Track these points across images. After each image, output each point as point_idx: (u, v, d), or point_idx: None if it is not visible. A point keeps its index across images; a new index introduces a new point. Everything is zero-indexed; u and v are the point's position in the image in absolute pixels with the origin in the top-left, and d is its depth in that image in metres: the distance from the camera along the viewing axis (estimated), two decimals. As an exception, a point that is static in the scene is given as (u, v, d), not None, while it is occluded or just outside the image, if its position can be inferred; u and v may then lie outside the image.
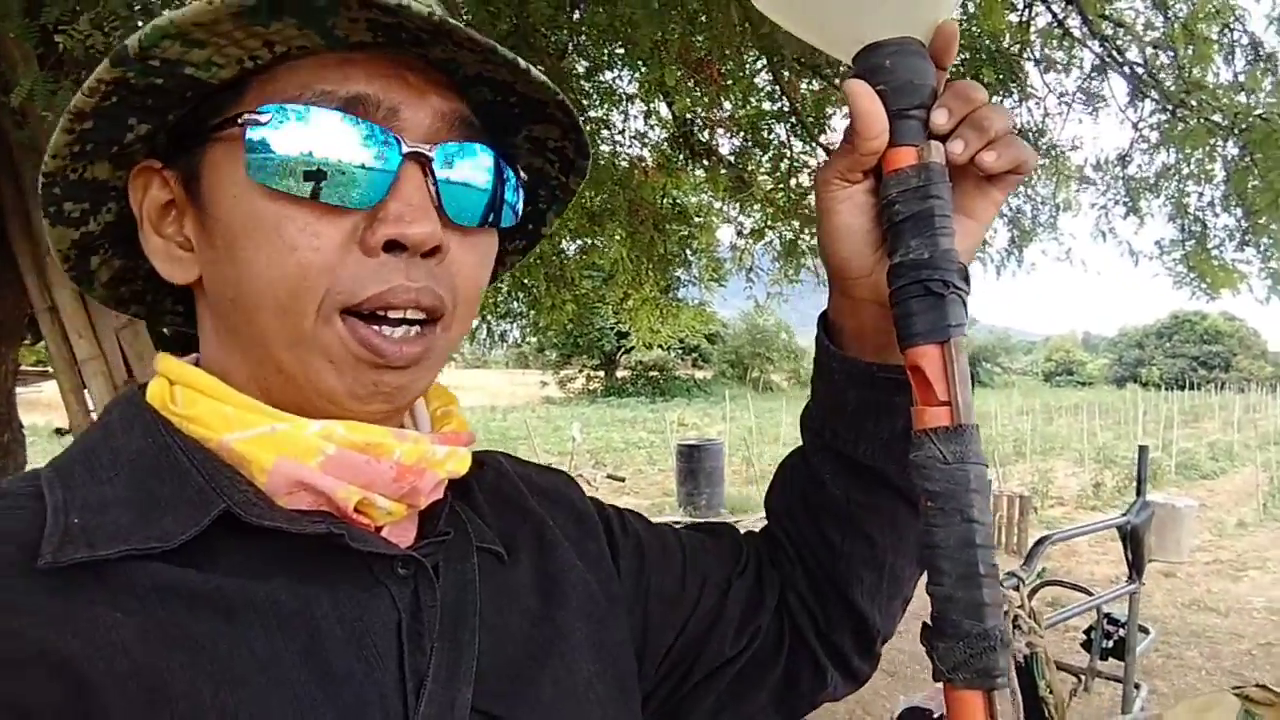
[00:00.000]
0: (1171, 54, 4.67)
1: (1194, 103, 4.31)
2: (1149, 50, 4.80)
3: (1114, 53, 4.83)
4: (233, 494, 0.52)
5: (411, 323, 0.53)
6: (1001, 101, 5.65)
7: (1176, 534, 8.92)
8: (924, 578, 0.62)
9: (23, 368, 5.94)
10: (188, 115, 0.54)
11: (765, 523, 0.84)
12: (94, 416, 3.33)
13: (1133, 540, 2.84)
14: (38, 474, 0.54)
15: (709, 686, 0.76)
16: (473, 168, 0.54)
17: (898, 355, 0.63)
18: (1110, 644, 2.90)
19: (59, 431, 6.07)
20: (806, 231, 5.56)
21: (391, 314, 0.52)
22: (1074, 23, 4.75)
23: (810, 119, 4.83)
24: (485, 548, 0.63)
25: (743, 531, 0.85)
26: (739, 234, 6.26)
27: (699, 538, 0.81)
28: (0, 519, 0.49)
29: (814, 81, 4.73)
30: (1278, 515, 11.45)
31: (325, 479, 0.53)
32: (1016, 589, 1.77)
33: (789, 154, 5.24)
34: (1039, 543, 2.48)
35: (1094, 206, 5.75)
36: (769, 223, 5.87)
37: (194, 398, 0.54)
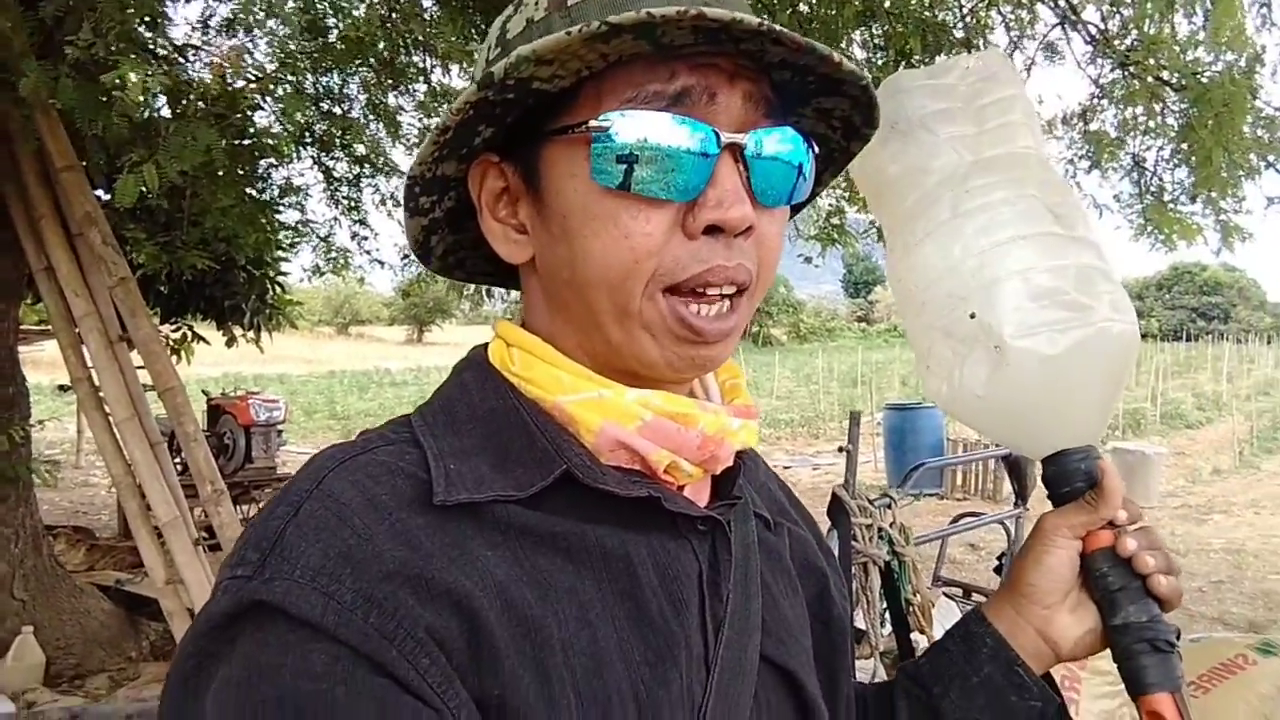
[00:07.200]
0: (1124, 13, 4.79)
1: (1140, 60, 4.45)
2: (1105, 7, 4.93)
3: (1072, 11, 4.96)
4: (571, 456, 0.58)
5: (724, 296, 0.59)
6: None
7: (1145, 480, 9.21)
8: None
9: (26, 327, 6.11)
10: (523, 115, 0.59)
11: None
12: (92, 371, 3.49)
13: (1015, 470, 3.05)
14: (407, 421, 0.61)
15: None
16: (778, 150, 0.59)
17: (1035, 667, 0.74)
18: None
19: (62, 388, 6.24)
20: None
21: (709, 291, 0.58)
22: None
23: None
24: (758, 513, 0.70)
25: None
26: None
27: None
28: (398, 460, 0.56)
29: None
30: (1253, 462, 11.68)
31: (642, 442, 0.59)
32: (889, 508, 2.00)
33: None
34: (915, 468, 2.72)
35: (1060, 159, 5.89)
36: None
37: (531, 361, 0.61)
